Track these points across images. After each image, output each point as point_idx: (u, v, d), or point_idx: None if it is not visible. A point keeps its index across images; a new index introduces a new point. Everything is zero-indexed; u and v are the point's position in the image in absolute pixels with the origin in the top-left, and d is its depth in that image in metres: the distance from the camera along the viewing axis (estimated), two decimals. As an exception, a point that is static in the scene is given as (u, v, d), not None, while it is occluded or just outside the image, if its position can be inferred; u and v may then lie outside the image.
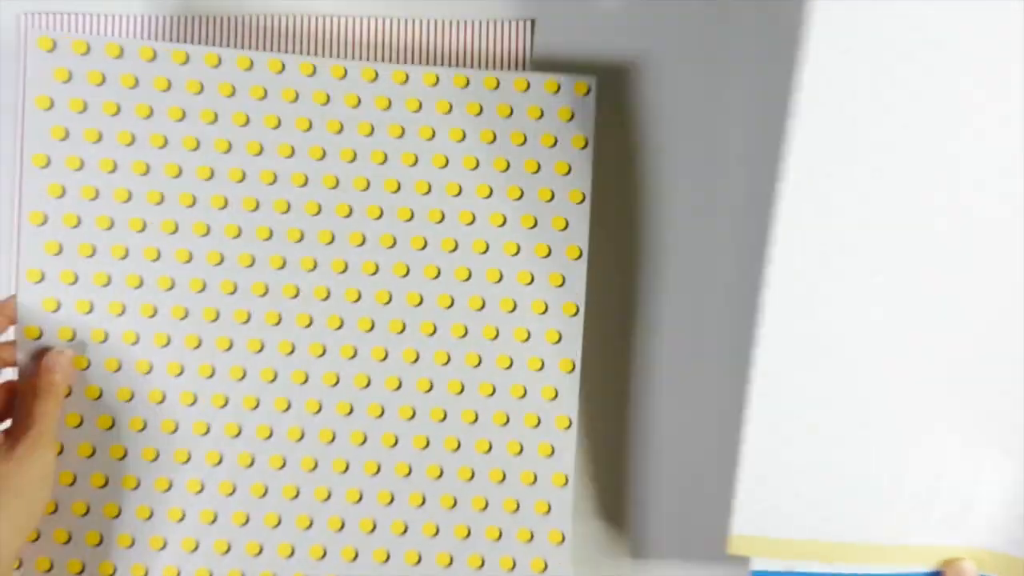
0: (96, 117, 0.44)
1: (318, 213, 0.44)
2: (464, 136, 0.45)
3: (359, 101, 0.44)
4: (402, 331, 0.44)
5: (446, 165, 0.44)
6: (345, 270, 0.44)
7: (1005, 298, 0.39)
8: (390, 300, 0.44)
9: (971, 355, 0.39)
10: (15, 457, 0.40)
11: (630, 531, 0.46)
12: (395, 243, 0.44)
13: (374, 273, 0.44)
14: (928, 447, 0.40)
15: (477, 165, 0.45)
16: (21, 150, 0.44)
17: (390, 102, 0.44)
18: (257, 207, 0.44)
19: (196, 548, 0.44)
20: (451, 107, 0.44)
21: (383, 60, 0.45)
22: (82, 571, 0.44)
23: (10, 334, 0.43)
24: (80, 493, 0.44)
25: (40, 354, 0.43)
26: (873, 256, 0.39)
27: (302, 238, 0.44)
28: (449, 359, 0.44)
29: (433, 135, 0.44)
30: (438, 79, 0.44)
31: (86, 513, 0.44)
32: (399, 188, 0.44)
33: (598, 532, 0.46)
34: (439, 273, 0.44)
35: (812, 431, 0.40)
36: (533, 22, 0.46)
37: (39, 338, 0.43)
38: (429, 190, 0.44)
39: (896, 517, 0.40)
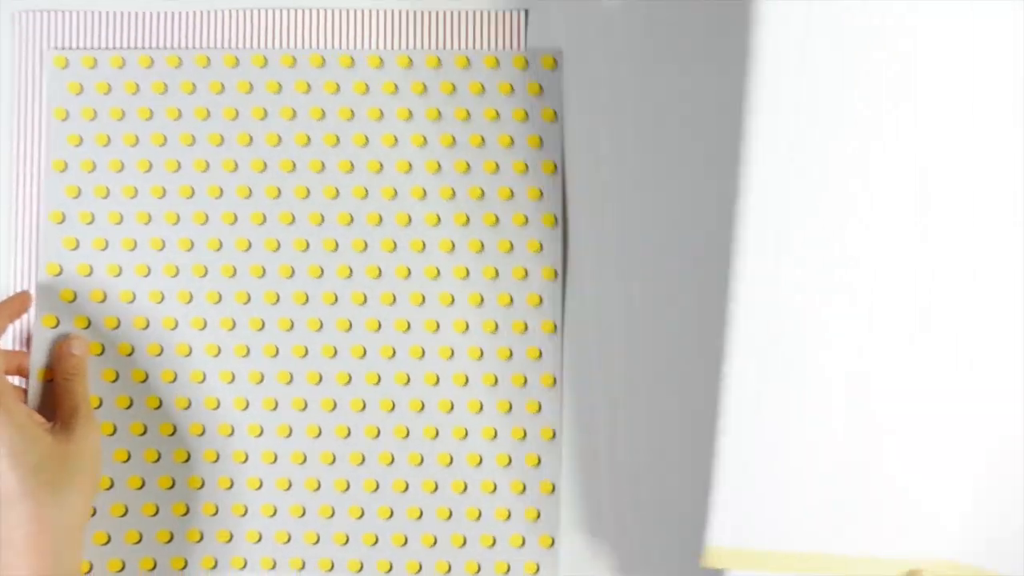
0: (104, 123, 0.48)
1: (306, 197, 0.47)
2: (440, 115, 0.47)
3: (338, 88, 0.47)
4: (393, 303, 0.47)
5: (425, 144, 0.47)
6: (336, 249, 0.47)
7: (975, 310, 0.39)
8: (380, 275, 0.47)
9: (942, 367, 0.39)
10: (75, 438, 0.43)
11: (614, 545, 0.47)
12: (381, 221, 0.47)
13: (363, 250, 0.47)
14: (897, 458, 0.40)
15: (454, 142, 0.47)
16: (40, 157, 0.48)
17: (367, 87, 0.47)
18: (249, 195, 0.47)
19: (245, 512, 0.47)
20: (426, 88, 0.47)
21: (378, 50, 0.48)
22: (139, 541, 0.47)
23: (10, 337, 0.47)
24: (135, 468, 0.47)
25: (56, 345, 0.47)
26: (845, 262, 0.39)
27: (293, 221, 0.47)
28: (439, 327, 0.47)
29: (410, 116, 0.47)
30: (411, 61, 0.47)
31: (141, 487, 0.47)
32: (381, 168, 0.47)
33: (582, 546, 0.47)
34: (424, 247, 0.47)
35: (785, 441, 0.40)
36: (526, 12, 0.47)
37: (57, 326, 0.47)
38: (410, 169, 0.47)
39: (866, 528, 0.40)
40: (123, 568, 0.47)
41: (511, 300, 0.46)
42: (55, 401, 0.46)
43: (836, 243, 0.39)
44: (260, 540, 0.47)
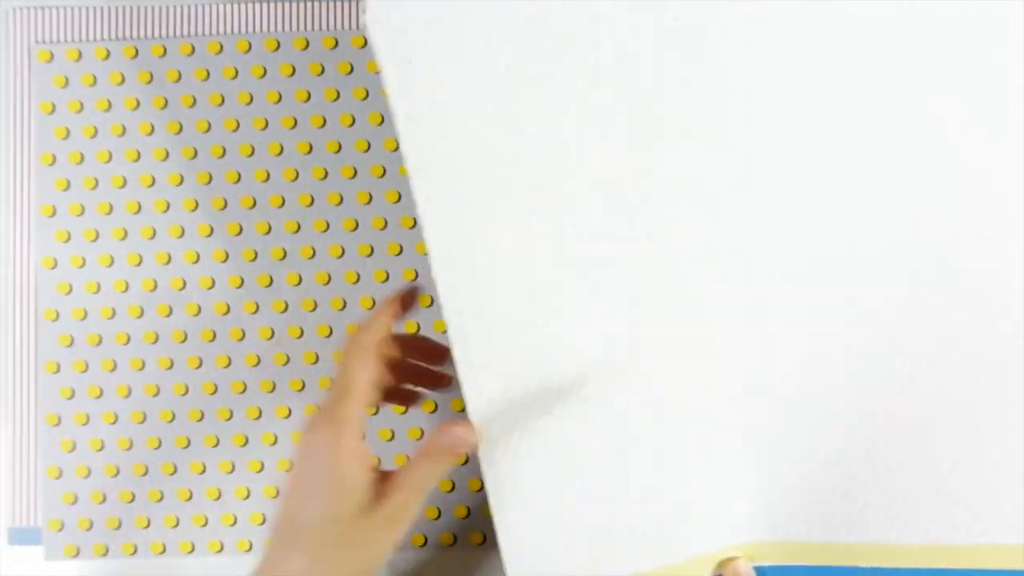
0: (90, 115, 0.48)
1: (295, 179, 0.47)
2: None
3: (323, 69, 0.47)
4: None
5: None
6: (327, 229, 0.47)
7: (713, 293, 0.38)
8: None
9: (694, 349, 0.38)
10: (386, 507, 0.35)
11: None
12: (371, 200, 0.47)
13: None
14: (670, 456, 0.39)
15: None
16: (29, 152, 0.48)
17: (352, 67, 0.47)
18: (238, 179, 0.47)
19: (248, 495, 0.47)
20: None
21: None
22: (118, 527, 0.48)
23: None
24: (138, 457, 0.48)
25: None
26: (575, 270, 0.37)
27: (283, 204, 0.47)
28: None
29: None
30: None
31: (145, 473, 0.48)
32: (369, 147, 0.47)
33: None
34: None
35: (548, 474, 0.39)
36: None
37: (56, 319, 0.47)
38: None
39: (667, 537, 0.40)
40: (106, 552, 0.48)
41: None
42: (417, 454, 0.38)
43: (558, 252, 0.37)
44: (235, 523, 0.47)
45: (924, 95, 0.35)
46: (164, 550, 0.47)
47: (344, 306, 0.47)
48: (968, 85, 0.35)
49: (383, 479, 0.36)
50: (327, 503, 0.35)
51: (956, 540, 0.38)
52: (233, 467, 0.47)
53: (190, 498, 0.47)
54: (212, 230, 0.47)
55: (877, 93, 0.35)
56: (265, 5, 0.48)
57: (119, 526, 0.47)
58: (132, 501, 0.47)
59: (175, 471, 0.47)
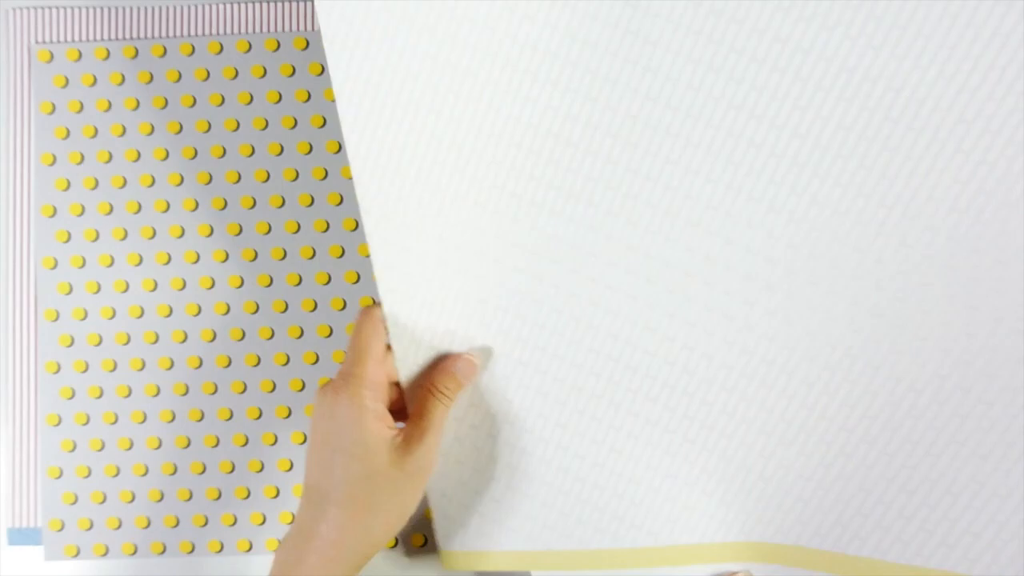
0: (91, 115, 0.48)
1: (295, 179, 0.47)
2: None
3: (323, 70, 0.47)
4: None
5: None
6: (327, 229, 0.47)
7: (679, 304, 0.38)
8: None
9: (664, 366, 0.39)
10: (409, 461, 0.37)
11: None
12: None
13: (354, 229, 0.47)
14: (629, 452, 0.40)
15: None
16: (29, 152, 0.48)
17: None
18: (238, 179, 0.47)
19: (248, 495, 0.48)
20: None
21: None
22: (118, 527, 0.48)
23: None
24: (138, 456, 0.48)
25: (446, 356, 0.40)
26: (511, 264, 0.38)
27: (283, 204, 0.47)
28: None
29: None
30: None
31: (145, 474, 0.48)
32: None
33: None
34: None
35: (479, 451, 0.41)
36: None
37: (56, 320, 0.47)
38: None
39: (610, 521, 0.41)
40: (106, 552, 0.48)
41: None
42: (411, 407, 0.40)
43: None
44: (235, 523, 0.47)
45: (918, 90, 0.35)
46: (164, 550, 0.47)
47: (344, 306, 0.47)
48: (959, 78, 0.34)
49: (399, 432, 0.38)
50: (357, 462, 0.37)
51: (948, 566, 0.38)
52: (233, 467, 0.47)
53: (190, 498, 0.47)
54: (212, 230, 0.47)
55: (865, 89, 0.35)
56: (265, 5, 0.48)
57: (119, 526, 0.47)
58: (132, 501, 0.47)
59: (175, 471, 0.47)
